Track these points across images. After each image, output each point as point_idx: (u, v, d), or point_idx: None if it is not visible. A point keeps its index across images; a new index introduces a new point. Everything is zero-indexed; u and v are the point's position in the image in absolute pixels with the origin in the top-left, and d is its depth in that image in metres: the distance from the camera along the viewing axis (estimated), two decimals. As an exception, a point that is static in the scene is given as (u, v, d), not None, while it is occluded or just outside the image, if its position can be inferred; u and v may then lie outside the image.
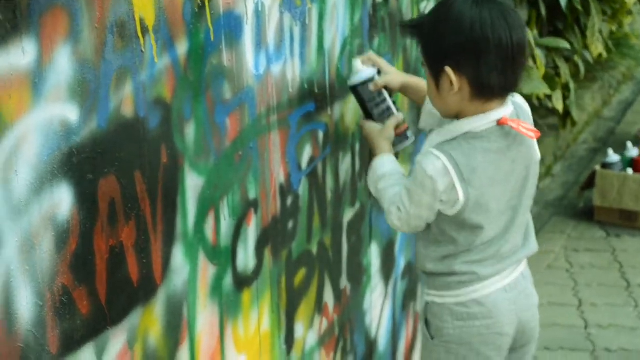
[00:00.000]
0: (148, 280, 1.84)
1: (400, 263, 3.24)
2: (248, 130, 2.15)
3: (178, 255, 1.93)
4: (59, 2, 1.54)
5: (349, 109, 2.67)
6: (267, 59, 2.20)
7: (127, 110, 1.73)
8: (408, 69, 3.09)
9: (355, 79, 2.48)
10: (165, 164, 1.85)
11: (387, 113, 2.48)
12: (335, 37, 2.54)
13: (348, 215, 2.75)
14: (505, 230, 2.20)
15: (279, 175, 2.32)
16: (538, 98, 5.34)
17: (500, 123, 2.08)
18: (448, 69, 2.05)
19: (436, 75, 2.10)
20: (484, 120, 2.08)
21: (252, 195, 2.19)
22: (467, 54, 2.02)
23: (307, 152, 2.46)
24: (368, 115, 2.50)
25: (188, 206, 1.95)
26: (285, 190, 2.36)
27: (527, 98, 5.17)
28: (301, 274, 2.50)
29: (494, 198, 2.13)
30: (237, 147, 2.11)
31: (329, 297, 2.67)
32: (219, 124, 2.03)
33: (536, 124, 5.88)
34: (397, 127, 2.47)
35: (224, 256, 2.10)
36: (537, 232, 5.20)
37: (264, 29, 2.18)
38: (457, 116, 2.16)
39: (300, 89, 2.38)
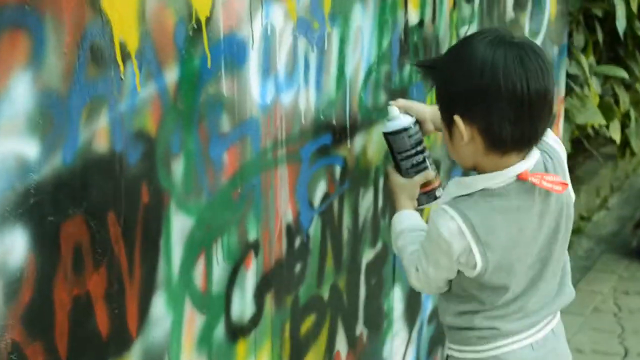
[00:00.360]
0: (121, 332, 1.65)
1: (427, 306, 3.00)
2: (250, 165, 1.95)
3: (159, 304, 1.74)
4: (18, 24, 1.36)
5: (372, 142, 2.45)
6: (276, 87, 2.00)
7: (101, 145, 1.55)
8: (443, 98, 2.86)
9: (388, 127, 2.23)
10: (147, 204, 1.67)
11: (417, 168, 2.22)
12: (359, 63, 2.33)
13: (368, 256, 2.54)
14: (532, 284, 1.97)
15: (286, 214, 2.11)
16: (593, 127, 5.05)
17: (520, 178, 1.85)
18: (457, 118, 1.82)
19: (448, 123, 1.87)
20: (502, 177, 1.85)
21: (252, 236, 1.99)
22: (476, 102, 1.79)
23: (321, 189, 2.25)
24: (397, 166, 2.26)
25: (173, 250, 1.76)
26: (293, 230, 2.15)
27: (582, 128, 4.90)
28: (309, 321, 2.29)
29: (518, 259, 1.91)
30: (236, 183, 1.91)
31: (341, 345, 2.45)
32: (214, 158, 1.84)
33: (591, 154, 5.59)
34: (426, 184, 2.23)
35: (215, 304, 1.90)
36: (587, 270, 4.92)
37: (273, 55, 1.98)
38: (475, 168, 1.92)
39: (315, 120, 2.17)
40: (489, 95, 1.77)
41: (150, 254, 1.70)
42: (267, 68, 1.97)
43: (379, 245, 2.60)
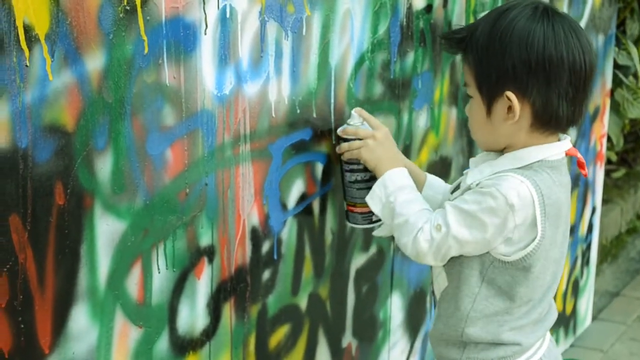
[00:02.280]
0: (28, 349, 1.47)
1: (434, 314, 2.76)
2: (201, 162, 1.75)
3: (80, 317, 1.56)
4: None
5: (364, 137, 2.21)
6: (238, 77, 1.80)
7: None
8: (456, 91, 2.61)
9: (339, 130, 2.02)
10: (61, 206, 1.48)
11: (360, 185, 1.98)
12: (347, 51, 2.10)
13: (358, 261, 2.32)
14: (548, 288, 1.82)
15: (251, 216, 1.91)
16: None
17: (568, 154, 1.78)
18: (510, 94, 1.69)
19: (490, 100, 1.73)
20: (558, 149, 1.76)
21: (204, 241, 1.79)
22: (536, 77, 1.68)
23: (297, 189, 2.04)
24: (342, 176, 2.03)
25: (98, 257, 1.57)
26: (260, 234, 1.95)
27: (637, 122, 4.56)
28: (281, 332, 2.08)
29: (556, 243, 1.78)
30: (183, 183, 1.72)
31: (323, 357, 2.24)
32: (154, 156, 1.64)
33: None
34: (365, 205, 1.95)
35: (155, 315, 1.71)
36: (636, 274, 4.59)
37: (233, 40, 1.77)
38: (504, 149, 1.77)
39: (290, 114, 1.96)
40: (551, 69, 1.67)
41: (67, 261, 1.51)
42: (225, 55, 1.76)
43: (373, 249, 2.38)
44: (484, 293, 1.77)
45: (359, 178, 1.97)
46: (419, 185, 1.97)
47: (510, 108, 1.71)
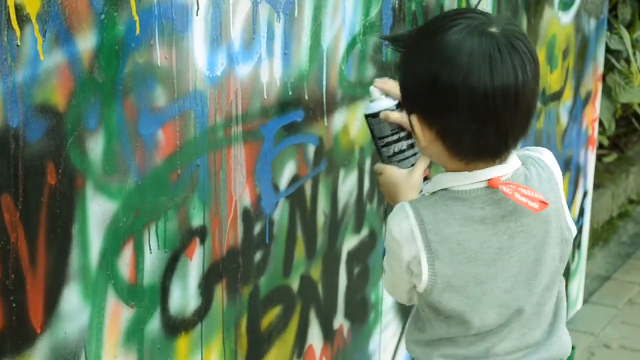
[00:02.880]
0: (20, 328, 1.48)
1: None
2: (193, 144, 1.75)
3: (71, 297, 1.56)
4: None
5: (356, 119, 2.23)
6: (229, 58, 1.79)
7: (-10, 120, 1.36)
8: (448, 73, 2.60)
9: (368, 108, 1.90)
10: (53, 186, 1.48)
11: (399, 156, 1.88)
12: (339, 32, 2.10)
13: (350, 243, 2.32)
14: (505, 325, 1.62)
15: (243, 197, 1.91)
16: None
17: (490, 185, 1.54)
18: (413, 119, 1.53)
19: (410, 117, 1.56)
20: (468, 179, 1.55)
21: (196, 222, 1.80)
22: (432, 107, 1.50)
23: (288, 170, 2.04)
24: (379, 154, 1.93)
25: (90, 236, 1.57)
26: (252, 215, 1.95)
27: (629, 106, 4.57)
28: (273, 313, 2.09)
29: (477, 282, 1.57)
30: (174, 164, 1.72)
31: (314, 338, 2.25)
32: (145, 136, 1.64)
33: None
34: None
35: (147, 296, 1.72)
36: (628, 258, 4.61)
37: (225, 21, 1.76)
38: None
39: (282, 95, 1.96)
40: (445, 103, 1.47)
41: (59, 241, 1.52)
42: (217, 36, 1.75)
43: (365, 231, 2.38)
44: (418, 316, 1.70)
45: (396, 149, 1.91)
46: None
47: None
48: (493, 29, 1.47)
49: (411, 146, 1.88)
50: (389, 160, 1.88)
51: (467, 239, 1.55)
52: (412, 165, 1.84)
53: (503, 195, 1.52)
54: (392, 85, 1.86)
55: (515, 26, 1.52)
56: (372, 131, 1.92)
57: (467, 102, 1.45)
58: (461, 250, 1.55)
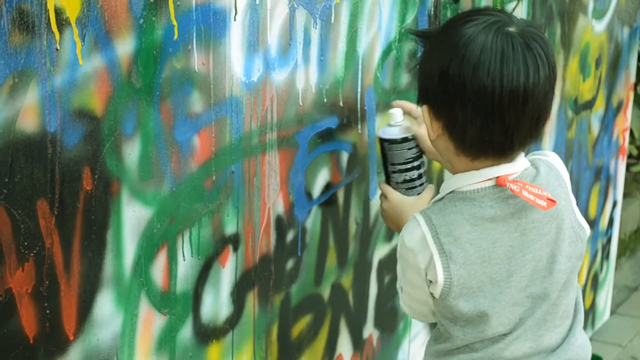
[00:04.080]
0: (53, 335, 1.46)
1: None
2: (228, 150, 1.73)
3: (105, 304, 1.54)
4: None
5: (390, 127, 2.19)
6: (266, 64, 1.77)
7: (28, 124, 1.35)
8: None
9: (387, 132, 1.91)
10: (89, 192, 1.46)
11: (409, 184, 1.90)
12: (375, 39, 2.07)
13: (381, 251, 2.29)
14: (520, 324, 1.61)
15: (276, 204, 1.88)
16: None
17: (498, 183, 1.54)
18: (424, 109, 1.55)
19: (424, 113, 1.58)
20: (475, 177, 1.56)
21: (230, 229, 1.77)
22: (440, 97, 1.51)
23: (322, 177, 2.01)
24: (387, 176, 1.95)
25: (124, 243, 1.55)
26: (285, 223, 1.93)
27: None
28: (304, 322, 2.06)
29: (492, 282, 1.57)
30: (209, 170, 1.70)
31: (344, 347, 2.22)
32: (181, 142, 1.62)
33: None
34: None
35: (179, 303, 1.70)
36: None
37: (262, 27, 1.74)
38: (451, 168, 1.62)
39: (317, 102, 1.93)
40: (453, 91, 1.48)
41: (94, 247, 1.50)
42: (254, 42, 1.73)
43: (396, 240, 2.35)
44: (436, 328, 1.70)
45: (407, 178, 1.90)
46: None
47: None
48: (511, 28, 1.50)
49: (421, 176, 1.88)
50: (397, 186, 1.89)
51: (478, 238, 1.55)
52: (419, 194, 1.87)
53: (511, 193, 1.53)
54: (413, 108, 1.91)
55: (535, 29, 1.52)
56: (384, 155, 1.90)
57: (474, 96, 1.46)
58: (474, 250, 1.55)
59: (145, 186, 1.57)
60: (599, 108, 3.35)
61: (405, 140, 1.88)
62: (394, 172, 1.90)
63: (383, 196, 1.90)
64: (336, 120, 2.01)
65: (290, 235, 1.96)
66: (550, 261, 1.60)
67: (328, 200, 2.05)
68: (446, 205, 1.57)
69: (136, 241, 1.58)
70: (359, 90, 2.06)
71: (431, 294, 1.60)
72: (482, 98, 1.46)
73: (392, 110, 1.90)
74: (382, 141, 1.91)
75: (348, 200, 2.13)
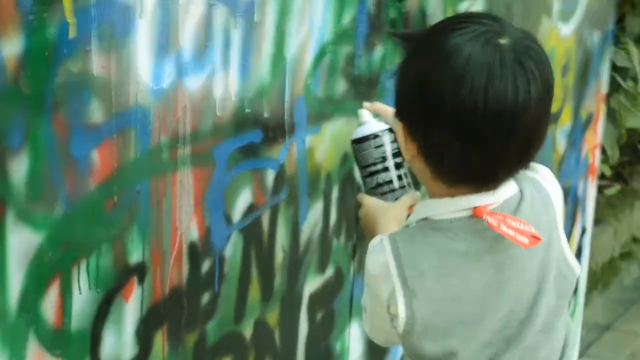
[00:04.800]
0: None
1: (399, 348, 2.77)
2: (133, 167, 1.74)
3: (-15, 344, 1.53)
4: None
5: (323, 141, 2.23)
6: (178, 68, 1.79)
7: None
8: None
9: (354, 133, 1.94)
10: (-33, 214, 1.46)
11: (383, 188, 1.92)
12: (305, 42, 2.10)
13: (312, 284, 2.32)
14: None
15: (189, 229, 1.90)
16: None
17: (475, 215, 1.53)
18: (398, 126, 1.56)
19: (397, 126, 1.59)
20: (450, 206, 1.55)
21: (134, 258, 1.79)
22: (415, 117, 1.51)
23: (243, 199, 2.04)
24: (363, 184, 1.98)
25: (9, 274, 1.56)
26: (200, 250, 1.94)
27: (635, 131, 4.62)
28: (222, 364, 2.07)
29: (463, 322, 1.57)
30: (111, 190, 1.71)
31: (270, 395, 2.24)
32: (78, 157, 1.63)
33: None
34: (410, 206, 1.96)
35: (75, 344, 1.70)
36: (631, 305, 4.64)
37: (174, 26, 1.76)
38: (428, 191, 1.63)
39: (238, 112, 1.95)
40: (431, 107, 1.46)
41: (-28, 278, 1.49)
42: (164, 43, 1.75)
43: (330, 271, 2.38)
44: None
45: (380, 181, 1.92)
46: None
47: None
48: (503, 40, 1.46)
49: (399, 178, 1.90)
50: (372, 191, 1.90)
51: (447, 275, 1.54)
52: (397, 199, 1.86)
53: (488, 227, 1.51)
54: (383, 108, 1.91)
55: (532, 42, 1.49)
56: (356, 159, 1.93)
57: (453, 115, 1.43)
58: (441, 287, 1.54)
59: (34, 208, 1.57)
60: (566, 122, 3.43)
61: (372, 137, 1.89)
62: (365, 176, 1.92)
63: (360, 205, 1.90)
64: (260, 133, 2.03)
65: (205, 265, 1.97)
66: (531, 301, 1.59)
67: (250, 225, 2.07)
68: (416, 232, 1.57)
69: (23, 272, 1.58)
70: (287, 99, 2.09)
71: (394, 327, 1.60)
72: (463, 119, 1.43)
73: (359, 110, 1.93)
74: (351, 144, 1.93)
75: (274, 225, 2.15)
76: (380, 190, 1.92)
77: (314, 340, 2.37)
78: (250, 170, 2.04)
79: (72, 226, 1.65)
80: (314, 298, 2.34)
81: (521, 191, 1.58)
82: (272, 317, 2.21)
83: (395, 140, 1.91)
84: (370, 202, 1.88)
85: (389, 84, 2.42)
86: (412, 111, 1.51)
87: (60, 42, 1.56)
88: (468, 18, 1.52)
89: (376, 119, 1.95)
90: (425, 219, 1.58)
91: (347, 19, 2.22)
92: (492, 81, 1.42)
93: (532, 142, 1.49)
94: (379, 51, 2.37)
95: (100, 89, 1.65)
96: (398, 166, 1.93)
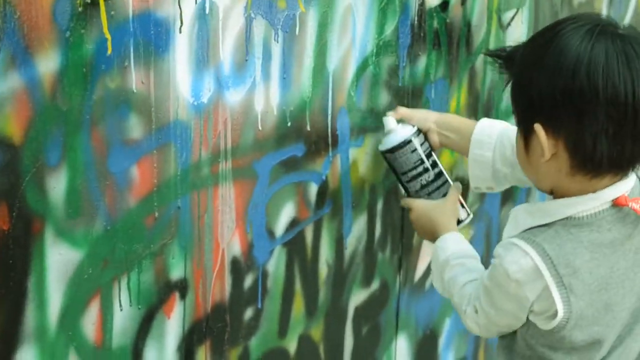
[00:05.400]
0: (-37, 399, 1.43)
1: (447, 359, 2.73)
2: (174, 182, 1.72)
3: (26, 361, 1.52)
4: None
5: (366, 153, 2.19)
6: (218, 82, 1.77)
7: None
8: (476, 103, 2.58)
9: (385, 143, 2.05)
10: (6, 232, 1.44)
11: (429, 188, 2.04)
12: (348, 53, 2.07)
13: (357, 297, 2.28)
14: (618, 344, 1.72)
15: (232, 245, 1.87)
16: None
17: (616, 204, 1.63)
18: (537, 127, 1.60)
19: (526, 132, 1.65)
20: (594, 202, 1.64)
21: (176, 274, 1.76)
22: (564, 109, 1.57)
23: (287, 213, 2.01)
24: (405, 190, 2.08)
25: (49, 291, 1.54)
26: (243, 265, 1.92)
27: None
28: (266, 380, 2.04)
29: (607, 307, 1.66)
30: (151, 206, 1.69)
31: (315, 410, 2.20)
32: (117, 174, 1.61)
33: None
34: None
35: (116, 360, 1.67)
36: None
37: (213, 40, 1.74)
38: (553, 192, 1.70)
39: (279, 126, 1.92)
40: (582, 101, 1.55)
41: (12, 297, 1.48)
42: (204, 58, 1.73)
43: (376, 284, 2.34)
44: (523, 353, 1.75)
45: (424, 182, 2.02)
46: (465, 142, 2.04)
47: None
48: (620, 31, 1.58)
49: (439, 175, 2.01)
50: (417, 194, 2.03)
51: (597, 266, 1.62)
52: (444, 195, 2.02)
53: (628, 212, 1.64)
54: (407, 112, 2.08)
55: (633, 28, 1.61)
56: (392, 168, 2.04)
57: (607, 103, 1.53)
58: (593, 279, 1.62)
59: (73, 225, 1.55)
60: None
61: (405, 143, 2.00)
62: (407, 181, 2.02)
63: (409, 210, 2.03)
64: (302, 147, 2.00)
65: (248, 280, 1.94)
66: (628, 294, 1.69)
67: (293, 240, 2.04)
68: (559, 233, 1.63)
69: (63, 289, 1.56)
70: (330, 112, 2.05)
71: (528, 321, 1.67)
72: (616, 104, 1.53)
73: (384, 118, 2.03)
74: (384, 155, 2.02)
75: (317, 239, 2.11)
76: (427, 190, 2.03)
77: (359, 355, 2.33)
78: (293, 184, 2.01)
79: (113, 242, 1.63)
80: (360, 312, 2.30)
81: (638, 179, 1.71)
82: (317, 332, 2.18)
83: (425, 141, 2.04)
84: (420, 204, 2.02)
85: (433, 95, 2.38)
86: (557, 111, 1.57)
87: (97, 58, 1.54)
88: (570, 18, 1.63)
89: (400, 124, 2.04)
90: (567, 217, 1.64)
91: (389, 29, 2.18)
92: (633, 67, 1.54)
93: None
94: (422, 62, 2.33)
95: (139, 105, 1.63)
96: (434, 164, 2.05)
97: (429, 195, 2.03)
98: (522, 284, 1.62)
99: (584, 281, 1.62)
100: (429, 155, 2.04)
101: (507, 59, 1.71)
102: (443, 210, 2.00)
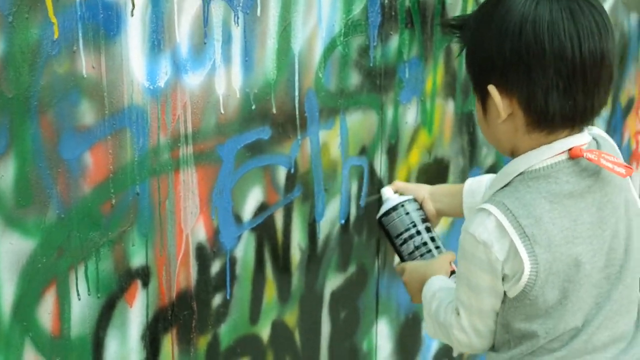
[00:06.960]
0: None
1: (431, 344, 2.69)
2: (130, 168, 1.68)
3: (-22, 354, 1.49)
4: None
5: (337, 135, 2.16)
6: (176, 66, 1.73)
7: None
8: (453, 82, 2.54)
9: (380, 211, 2.16)
10: (-49, 222, 1.41)
11: (422, 250, 2.11)
12: (314, 34, 2.03)
13: (333, 282, 2.25)
14: (597, 312, 1.70)
15: (196, 230, 1.84)
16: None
17: (572, 155, 1.64)
18: (491, 88, 1.63)
19: (482, 95, 1.68)
20: (548, 152, 1.65)
21: (137, 261, 1.73)
22: (514, 67, 1.60)
23: (254, 198, 1.97)
24: (399, 255, 2.14)
25: (1, 282, 1.50)
26: (209, 252, 1.88)
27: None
28: (238, 367, 2.01)
29: (577, 263, 1.64)
30: (107, 193, 1.66)
31: (292, 396, 2.17)
32: (70, 161, 1.58)
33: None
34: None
35: (75, 351, 1.65)
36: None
37: (168, 23, 1.70)
38: (513, 153, 1.71)
39: (243, 109, 1.89)
40: (530, 58, 1.58)
41: (-40, 287, 1.45)
42: (159, 41, 1.69)
43: (352, 268, 2.31)
44: (501, 338, 1.73)
45: (417, 243, 2.08)
46: (458, 198, 2.12)
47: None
48: None
49: (432, 239, 2.11)
50: (410, 257, 2.09)
51: (559, 217, 1.62)
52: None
53: (585, 165, 1.64)
54: (402, 185, 2.20)
55: None
56: (387, 234, 2.13)
57: (554, 57, 1.56)
58: (557, 229, 1.61)
59: (24, 214, 1.53)
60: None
61: (399, 206, 2.10)
62: (401, 244, 2.10)
63: (401, 273, 2.09)
64: (269, 130, 1.97)
65: (215, 267, 1.91)
66: (625, 237, 1.69)
67: (263, 225, 2.01)
68: (517, 187, 1.64)
69: (15, 279, 1.53)
70: (297, 94, 2.02)
71: (504, 294, 1.67)
72: (563, 58, 1.56)
73: (382, 190, 2.16)
74: (380, 222, 2.12)
75: (288, 223, 2.08)
76: (419, 252, 2.10)
77: (338, 340, 2.30)
78: (260, 167, 1.98)
79: (67, 231, 1.60)
80: (336, 297, 2.27)
81: (595, 139, 1.70)
82: (291, 318, 2.15)
83: (420, 208, 2.15)
84: (412, 265, 2.08)
85: (407, 75, 2.34)
86: (507, 70, 1.60)
87: (43, 44, 1.51)
88: None
89: (397, 194, 2.16)
90: (521, 173, 1.65)
91: (358, 9, 2.15)
92: (579, 23, 1.57)
93: (612, 75, 1.62)
94: (394, 41, 2.29)
95: (91, 90, 1.60)
96: (428, 229, 2.12)
97: (421, 257, 2.09)
98: (489, 246, 1.62)
99: (547, 231, 1.61)
100: (423, 220, 2.12)
101: (460, 27, 1.74)
102: (433, 266, 2.03)
